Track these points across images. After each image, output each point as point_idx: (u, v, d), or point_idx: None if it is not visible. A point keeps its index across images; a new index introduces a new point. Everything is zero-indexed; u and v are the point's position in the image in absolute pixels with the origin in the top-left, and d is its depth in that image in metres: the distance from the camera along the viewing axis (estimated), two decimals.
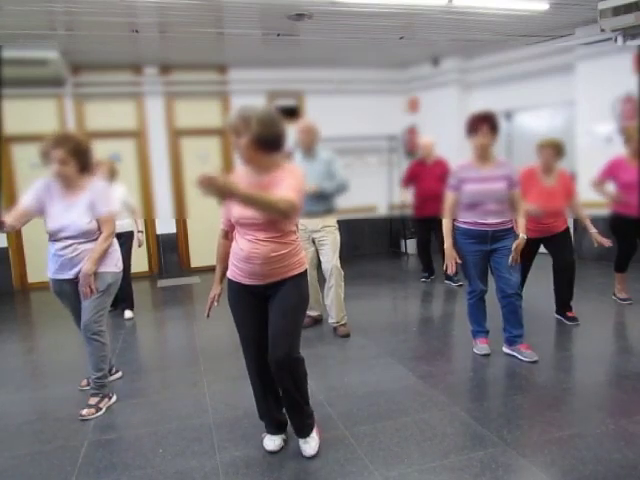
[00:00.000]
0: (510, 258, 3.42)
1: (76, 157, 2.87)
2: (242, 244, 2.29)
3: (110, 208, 3.06)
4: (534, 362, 3.44)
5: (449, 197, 3.53)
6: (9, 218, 2.83)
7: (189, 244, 7.51)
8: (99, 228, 3.00)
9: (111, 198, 3.14)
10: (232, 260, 2.37)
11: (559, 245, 4.16)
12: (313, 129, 4.08)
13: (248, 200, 2.00)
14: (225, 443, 2.64)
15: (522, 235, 3.43)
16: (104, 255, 3.01)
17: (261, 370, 2.45)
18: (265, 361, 2.42)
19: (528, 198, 3.75)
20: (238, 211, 2.25)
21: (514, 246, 3.42)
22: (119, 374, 3.60)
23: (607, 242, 4.11)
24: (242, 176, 2.29)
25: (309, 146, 4.08)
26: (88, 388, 3.31)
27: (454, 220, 3.58)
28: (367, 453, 2.48)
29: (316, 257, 4.21)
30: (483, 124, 3.32)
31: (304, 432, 2.51)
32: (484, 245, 3.48)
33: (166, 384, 3.50)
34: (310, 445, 2.49)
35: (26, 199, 2.95)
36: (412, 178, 5.94)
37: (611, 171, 4.41)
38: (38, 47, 5.66)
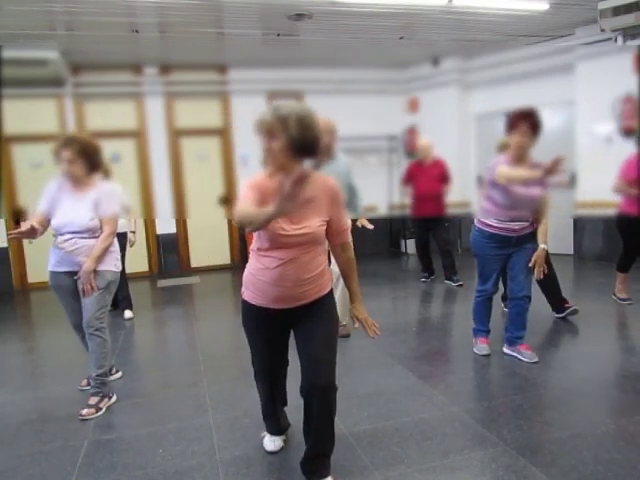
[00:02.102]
0: (535, 272, 3.37)
1: (84, 157, 2.97)
2: (270, 264, 2.01)
3: (114, 209, 3.12)
4: (534, 363, 3.44)
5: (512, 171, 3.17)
6: (36, 224, 2.91)
7: (189, 244, 7.51)
8: (101, 227, 3.06)
9: (116, 200, 3.19)
10: (252, 282, 2.11)
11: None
12: (335, 128, 3.78)
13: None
14: (225, 443, 2.64)
15: (543, 246, 3.36)
16: (104, 254, 3.06)
17: (273, 381, 2.40)
18: (277, 373, 2.36)
19: None
20: (279, 224, 1.93)
21: (534, 259, 3.36)
22: (119, 374, 3.60)
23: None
24: (267, 186, 1.96)
25: (330, 146, 3.75)
26: (88, 388, 3.30)
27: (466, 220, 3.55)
28: (367, 453, 2.47)
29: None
30: (522, 122, 3.16)
31: (321, 474, 2.19)
32: (507, 249, 3.41)
33: (166, 384, 3.50)
34: None
35: (41, 203, 3.05)
36: (410, 178, 5.96)
37: (634, 170, 4.33)
38: (38, 47, 5.66)
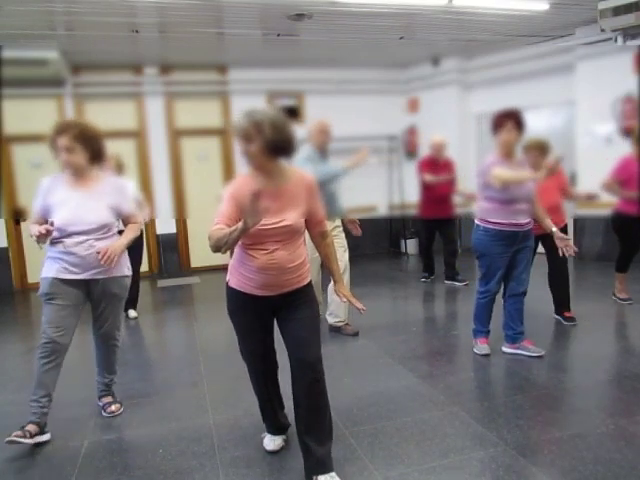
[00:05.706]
0: (568, 250, 3.37)
1: (83, 143, 2.66)
2: (256, 254, 2.15)
3: (133, 204, 3.02)
4: (541, 356, 3.48)
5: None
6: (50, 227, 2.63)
7: (189, 244, 7.51)
8: (124, 222, 2.93)
9: (131, 193, 3.08)
10: (239, 270, 2.24)
11: (554, 243, 4.15)
12: (330, 129, 4.09)
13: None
14: (225, 443, 2.64)
15: (554, 229, 3.41)
16: (122, 255, 2.85)
17: (267, 377, 2.44)
18: (270, 368, 2.42)
19: None
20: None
21: (558, 244, 3.37)
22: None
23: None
24: (249, 183, 2.13)
25: (325, 146, 4.08)
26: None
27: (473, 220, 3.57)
28: (367, 453, 2.47)
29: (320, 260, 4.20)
30: (508, 120, 3.28)
31: (330, 464, 2.22)
32: (513, 246, 3.43)
33: (166, 384, 3.50)
34: None
35: (37, 206, 2.76)
36: (426, 170, 5.81)
37: (625, 171, 4.34)
38: (38, 47, 5.66)
